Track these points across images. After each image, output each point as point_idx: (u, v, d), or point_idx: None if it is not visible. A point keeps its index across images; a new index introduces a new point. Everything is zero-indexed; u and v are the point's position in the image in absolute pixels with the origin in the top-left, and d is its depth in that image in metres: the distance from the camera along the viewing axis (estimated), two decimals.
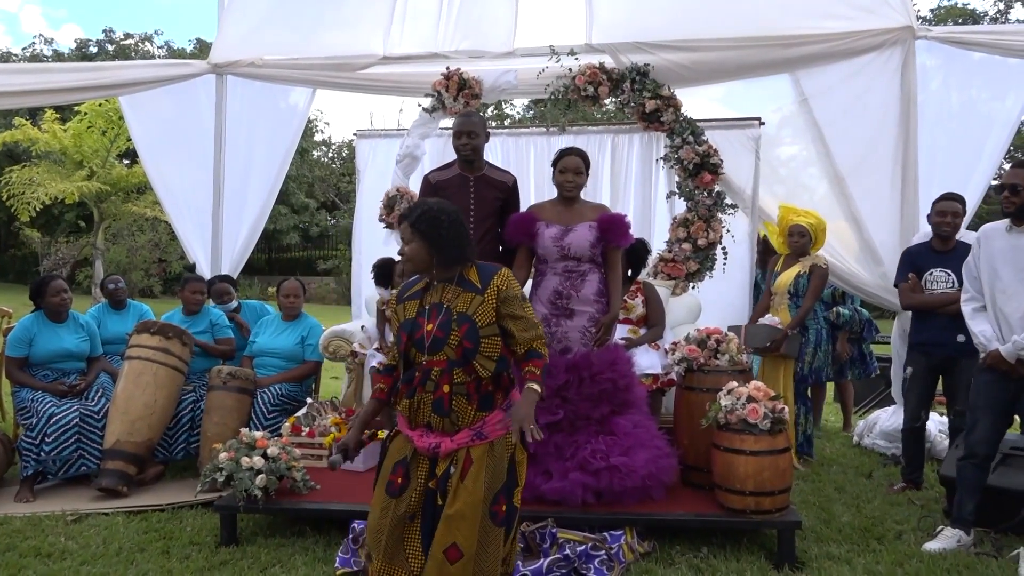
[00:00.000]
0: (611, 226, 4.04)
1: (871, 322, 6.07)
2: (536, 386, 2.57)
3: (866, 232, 5.46)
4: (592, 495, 3.72)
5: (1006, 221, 3.72)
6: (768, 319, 5.10)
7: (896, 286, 4.73)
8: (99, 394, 4.81)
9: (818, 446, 5.64)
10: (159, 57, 27.11)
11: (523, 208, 4.37)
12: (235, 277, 6.26)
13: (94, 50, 27.38)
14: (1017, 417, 3.90)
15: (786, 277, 5.16)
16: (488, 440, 2.56)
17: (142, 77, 6.29)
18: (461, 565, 2.47)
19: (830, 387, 6.77)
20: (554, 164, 4.16)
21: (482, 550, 2.50)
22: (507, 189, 4.40)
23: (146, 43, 28.57)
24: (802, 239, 5.12)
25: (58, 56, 27.30)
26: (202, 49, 25.78)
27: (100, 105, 14.10)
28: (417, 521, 2.58)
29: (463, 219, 2.70)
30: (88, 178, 15.11)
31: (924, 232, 4.95)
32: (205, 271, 6.33)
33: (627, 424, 3.88)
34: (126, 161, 17.45)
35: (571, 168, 4.08)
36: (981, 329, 3.73)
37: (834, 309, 5.80)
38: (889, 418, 5.70)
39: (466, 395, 2.55)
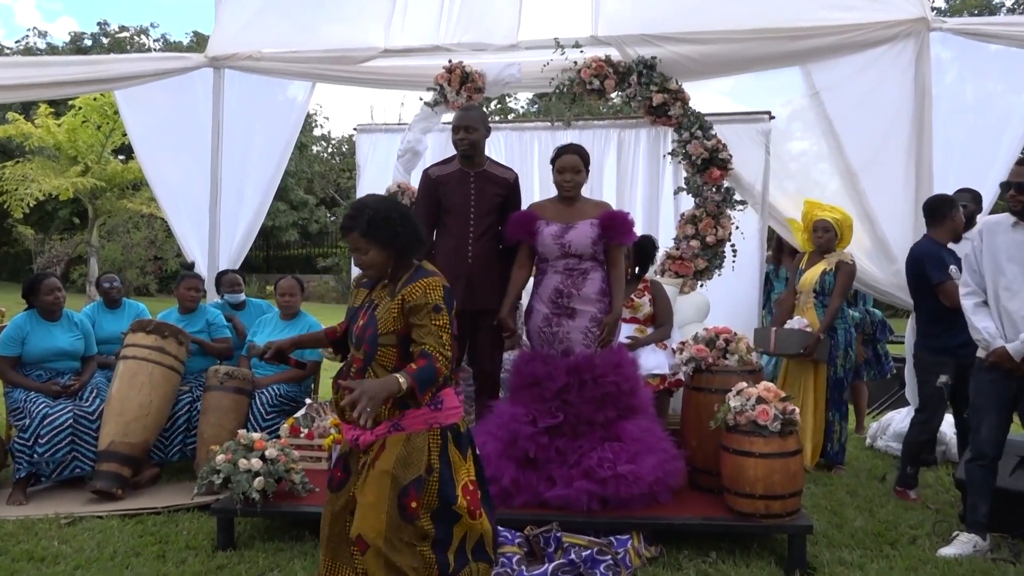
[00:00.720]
0: (613, 223, 4.04)
1: (884, 322, 6.06)
2: (403, 379, 2.49)
3: (879, 229, 5.44)
4: (598, 502, 3.72)
5: (1010, 216, 3.70)
6: (796, 322, 5.06)
7: (938, 284, 4.47)
8: (93, 394, 4.81)
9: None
10: (155, 50, 27.14)
11: (525, 206, 4.37)
12: None
13: (89, 43, 27.42)
14: (1017, 417, 3.87)
15: (811, 275, 5.13)
16: (405, 432, 2.61)
17: (138, 71, 6.29)
18: (371, 557, 2.52)
19: None
20: (552, 163, 4.16)
21: (391, 547, 2.52)
22: (508, 185, 4.39)
23: (142, 36, 28.60)
24: (827, 235, 5.09)
25: (52, 49, 27.35)
26: (199, 42, 25.80)
27: (95, 99, 14.10)
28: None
29: (412, 216, 2.73)
30: (82, 174, 15.11)
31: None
32: (202, 269, 6.34)
33: (634, 429, 3.88)
34: (121, 157, 17.46)
35: (568, 167, 4.07)
36: (984, 326, 3.70)
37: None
38: (903, 419, 5.68)
39: None
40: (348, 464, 2.75)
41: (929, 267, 4.51)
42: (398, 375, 2.50)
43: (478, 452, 2.82)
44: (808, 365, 5.08)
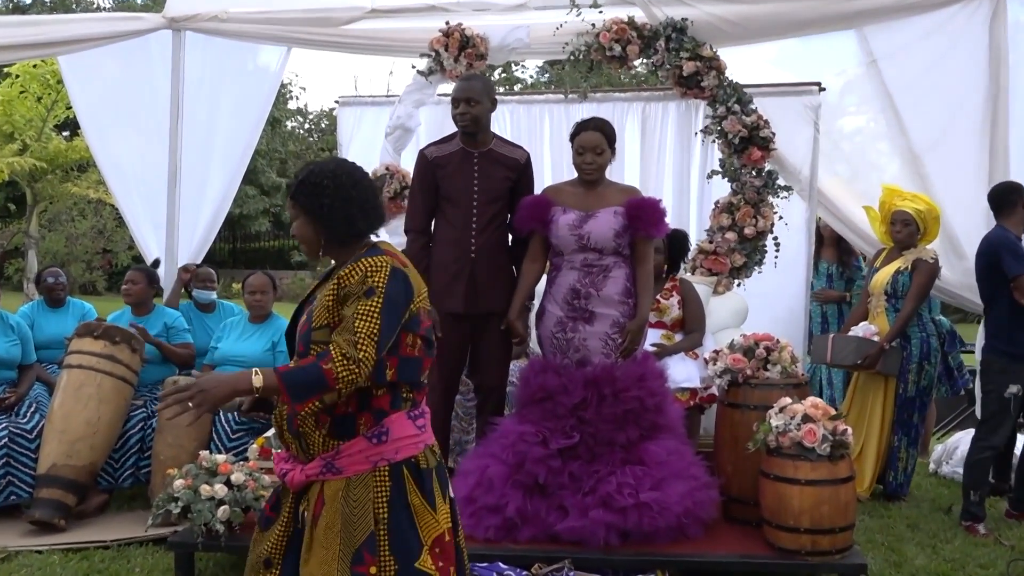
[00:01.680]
0: (641, 212, 4.03)
1: (954, 332, 6.04)
2: (260, 376, 2.28)
3: (947, 220, 5.43)
4: (617, 536, 3.72)
5: None
6: (863, 328, 5.05)
7: (1015, 277, 4.52)
8: (32, 409, 4.83)
9: None
10: (105, 10, 27.20)
11: (538, 190, 4.37)
12: None
13: (28, 1, 27.50)
14: None
15: (883, 275, 5.12)
16: (343, 476, 2.37)
17: (84, 33, 6.30)
18: None
19: None
20: (571, 140, 4.16)
21: None
22: (518, 167, 4.39)
23: None
24: (907, 228, 5.07)
25: None
26: (156, 1, 25.85)
27: (35, 67, 14.14)
28: (275, 571, 2.45)
29: (358, 183, 2.52)
30: (20, 153, 15.14)
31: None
32: (162, 264, 6.33)
33: (659, 452, 3.88)
34: (65, 133, 17.51)
35: (589, 146, 4.06)
36: None
37: None
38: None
39: (313, 415, 2.36)
40: (280, 500, 2.54)
41: (1006, 258, 4.53)
42: (254, 371, 2.30)
43: (452, 494, 2.59)
44: (879, 380, 5.08)
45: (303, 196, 2.49)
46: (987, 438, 4.62)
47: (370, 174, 5.91)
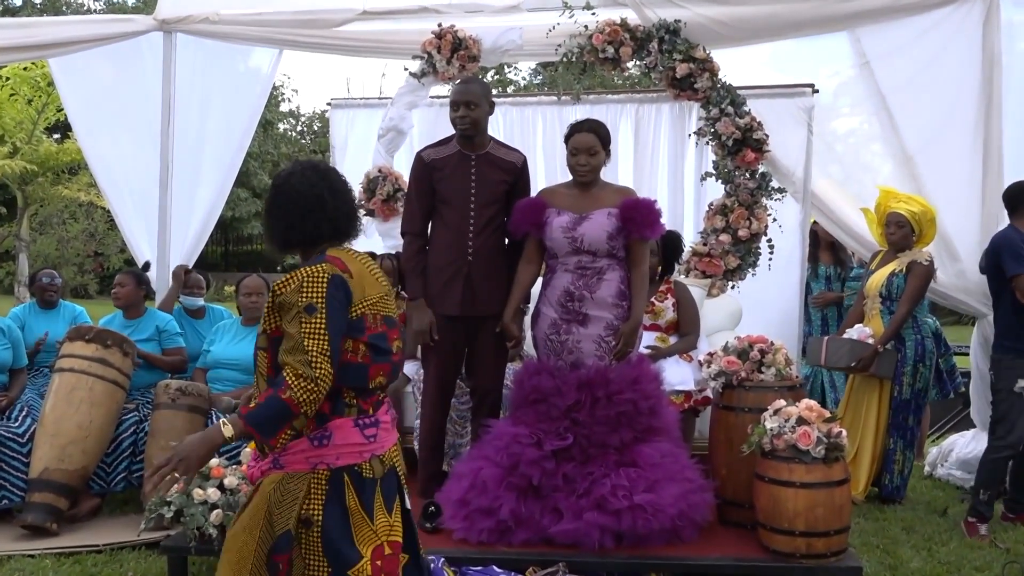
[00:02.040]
0: (636, 213, 4.03)
1: (939, 334, 6.04)
2: (230, 427, 2.34)
3: (940, 222, 5.44)
4: (611, 538, 3.72)
5: None
6: (856, 331, 5.06)
7: (1013, 277, 4.56)
8: (23, 413, 4.82)
9: None
10: (96, 12, 27.15)
11: (532, 192, 4.38)
12: None
13: (18, 3, 27.43)
14: None
15: (878, 277, 5.13)
16: (284, 471, 2.44)
17: (76, 35, 6.29)
18: None
19: None
20: (566, 141, 4.16)
21: None
22: (515, 170, 4.39)
23: None
24: (900, 230, 5.07)
25: None
26: (147, 2, 25.80)
27: (25, 69, 14.11)
28: None
29: (306, 189, 2.52)
30: (11, 156, 15.12)
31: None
32: (151, 267, 6.32)
33: (653, 454, 3.88)
34: (56, 136, 17.47)
35: (583, 147, 4.07)
36: None
37: None
38: (967, 444, 5.69)
39: None
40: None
41: (1006, 257, 4.57)
42: (222, 421, 2.35)
43: (407, 506, 2.57)
44: (874, 382, 5.09)
45: (267, 196, 2.61)
46: (1004, 437, 4.63)
47: (364, 175, 5.98)
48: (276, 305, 2.44)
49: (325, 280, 2.40)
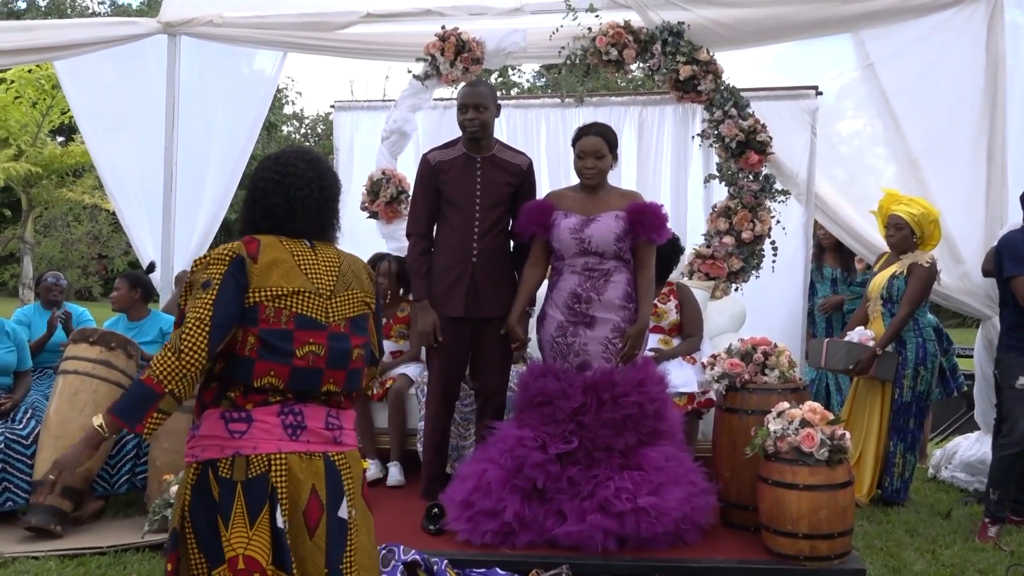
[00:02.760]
0: (643, 216, 4.04)
1: (940, 330, 6.04)
2: (99, 417, 2.27)
3: (944, 224, 5.44)
4: (614, 541, 3.72)
5: None
6: (857, 333, 5.05)
7: (1009, 278, 4.58)
8: (28, 415, 4.82)
9: None
10: (101, 15, 27.20)
11: (540, 196, 4.39)
12: None
13: (23, 6, 27.50)
14: None
15: (879, 279, 5.12)
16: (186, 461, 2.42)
17: (80, 38, 6.30)
18: None
19: None
20: (573, 145, 4.17)
21: None
22: (520, 173, 4.40)
23: None
24: (899, 232, 5.06)
25: None
26: (151, 5, 25.84)
27: (30, 71, 14.14)
28: None
29: (257, 178, 2.50)
30: (15, 158, 15.14)
31: (1013, 223, 4.93)
32: (156, 269, 6.33)
33: (657, 457, 3.88)
34: (60, 138, 17.50)
35: (590, 150, 4.08)
36: None
37: None
38: (971, 446, 5.68)
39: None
40: None
41: (1005, 258, 4.58)
42: (95, 416, 2.28)
43: (281, 525, 2.32)
44: (876, 385, 5.08)
45: None
46: (1009, 435, 4.62)
47: (367, 178, 5.97)
48: (188, 284, 2.38)
49: (228, 259, 2.33)
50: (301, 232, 2.49)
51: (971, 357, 5.82)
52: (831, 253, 6.35)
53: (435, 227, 4.41)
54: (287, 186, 2.47)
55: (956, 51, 5.42)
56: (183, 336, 2.24)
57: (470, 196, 4.29)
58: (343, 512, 2.41)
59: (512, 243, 4.40)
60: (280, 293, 2.36)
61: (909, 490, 5.22)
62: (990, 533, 4.56)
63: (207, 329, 2.25)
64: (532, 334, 4.38)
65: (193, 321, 2.25)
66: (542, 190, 4.48)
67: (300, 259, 2.44)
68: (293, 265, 2.41)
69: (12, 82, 14.55)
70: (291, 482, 2.33)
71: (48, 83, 13.99)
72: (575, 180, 4.26)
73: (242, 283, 2.33)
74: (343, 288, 2.49)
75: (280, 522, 2.30)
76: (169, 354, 2.23)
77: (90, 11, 28.07)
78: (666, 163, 6.43)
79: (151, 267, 6.06)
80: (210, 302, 2.27)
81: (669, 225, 4.21)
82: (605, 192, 4.16)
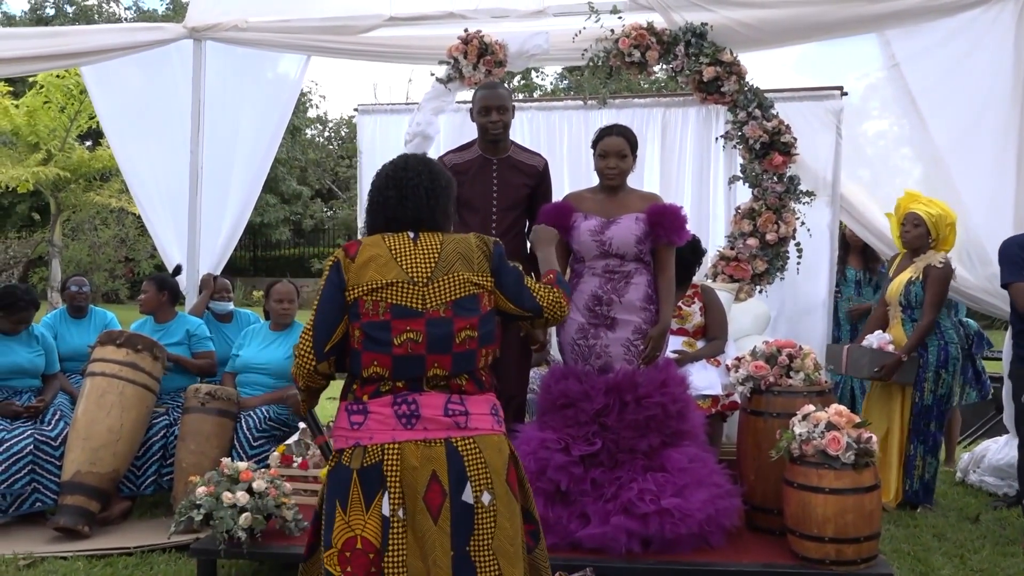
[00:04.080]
0: (663, 218, 4.03)
1: (981, 334, 5.99)
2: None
3: (971, 225, 5.39)
4: (638, 543, 3.70)
5: None
6: (876, 337, 5.01)
7: (1005, 285, 4.62)
8: (56, 417, 4.87)
9: None
10: (127, 20, 27.47)
11: (555, 197, 4.37)
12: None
13: (51, 12, 27.82)
14: None
15: (896, 284, 5.09)
16: None
17: (107, 44, 6.36)
18: None
19: None
20: (594, 146, 4.16)
21: None
22: (536, 174, 4.40)
23: (111, 4, 28.99)
24: (916, 230, 5.03)
25: (9, 20, 27.78)
26: (176, 10, 26.07)
27: (59, 77, 14.29)
28: None
29: (375, 184, 2.70)
30: (44, 163, 15.30)
31: None
32: (184, 271, 6.38)
33: (681, 458, 3.86)
34: (88, 143, 17.68)
35: (612, 151, 4.07)
36: None
37: None
38: (1000, 450, 5.62)
39: None
40: None
41: (1001, 264, 4.61)
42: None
43: (387, 513, 2.45)
44: (896, 388, 5.04)
45: None
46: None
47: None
48: None
49: (330, 264, 2.57)
50: (411, 219, 2.63)
51: (999, 360, 5.76)
52: (855, 255, 6.30)
53: (451, 230, 4.40)
54: (399, 179, 2.65)
55: (983, 50, 5.37)
56: (302, 339, 2.54)
57: (487, 198, 4.30)
58: (467, 496, 2.46)
59: (529, 245, 4.40)
60: (376, 286, 2.51)
61: (934, 493, 5.17)
62: None
63: (311, 332, 2.53)
64: (552, 336, 4.37)
65: (308, 328, 2.55)
66: (565, 193, 4.46)
67: (397, 252, 2.57)
68: (389, 259, 2.55)
69: (42, 87, 14.72)
70: (405, 470, 2.45)
71: (76, 88, 14.13)
72: (596, 182, 4.25)
73: (339, 283, 2.54)
74: (443, 273, 2.57)
75: (386, 510, 2.43)
76: (295, 355, 2.55)
77: (117, 17, 28.35)
78: (690, 165, 6.41)
79: (178, 270, 6.11)
80: (316, 306, 2.54)
81: (691, 227, 4.19)
82: (625, 194, 4.15)
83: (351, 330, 2.52)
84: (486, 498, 2.47)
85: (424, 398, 2.50)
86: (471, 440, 2.50)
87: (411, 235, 2.61)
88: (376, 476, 2.45)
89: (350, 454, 2.49)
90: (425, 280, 2.53)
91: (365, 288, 2.51)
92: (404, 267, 2.53)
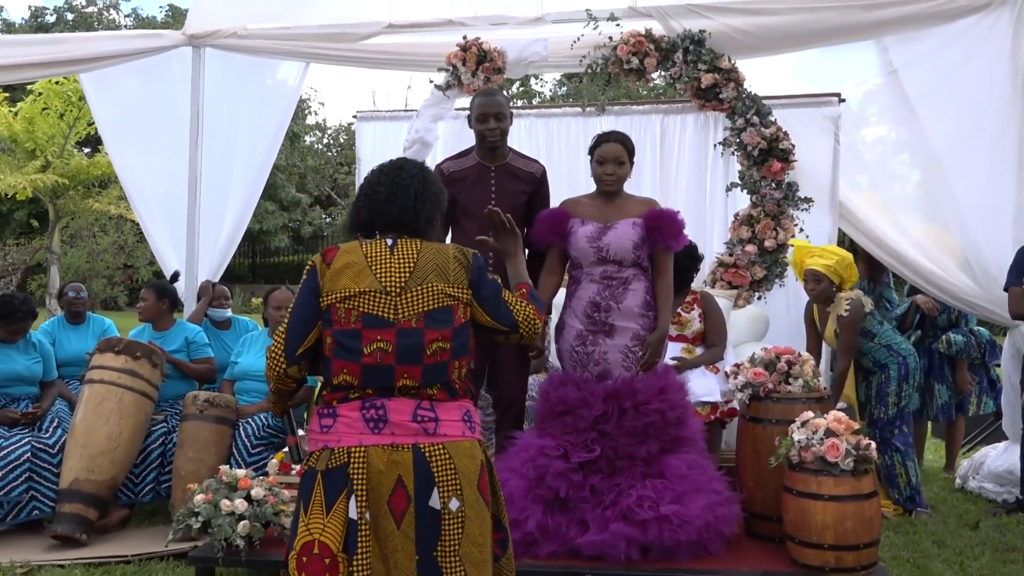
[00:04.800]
0: (660, 223, 4.03)
1: (993, 342, 6.00)
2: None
3: (969, 231, 5.40)
4: (637, 550, 3.70)
5: None
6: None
7: (1006, 290, 4.65)
8: (54, 424, 4.87)
9: None
10: (126, 27, 27.52)
11: (554, 203, 4.38)
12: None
13: (51, 19, 27.87)
14: None
15: (829, 333, 5.11)
16: None
17: (106, 51, 6.38)
18: None
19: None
20: (591, 152, 4.17)
21: None
22: (534, 180, 4.40)
23: (111, 11, 29.04)
24: (819, 285, 4.98)
25: (8, 27, 27.82)
26: (176, 18, 26.13)
27: (58, 84, 14.30)
28: None
29: (362, 186, 2.71)
30: (42, 170, 15.29)
31: None
32: (180, 279, 6.37)
33: (680, 465, 3.86)
34: (87, 149, 17.68)
35: (610, 157, 4.07)
36: None
37: (944, 336, 5.75)
38: (999, 456, 5.62)
39: None
40: None
41: (1011, 267, 4.65)
42: None
43: (354, 516, 2.42)
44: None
45: None
46: None
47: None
48: None
49: (308, 268, 2.59)
50: (396, 218, 2.60)
51: (999, 365, 5.77)
52: (861, 262, 6.29)
53: (449, 236, 4.41)
54: (391, 177, 2.65)
55: (980, 57, 5.38)
56: (272, 342, 2.57)
57: (485, 205, 4.26)
58: (434, 502, 2.44)
59: (527, 251, 4.40)
60: (348, 294, 2.50)
61: (923, 494, 5.19)
62: None
63: (284, 335, 2.55)
64: (550, 343, 4.37)
65: (280, 331, 2.57)
66: (563, 199, 4.46)
67: (372, 260, 2.54)
68: (364, 266, 2.52)
69: (40, 94, 14.72)
70: (371, 474, 2.43)
71: (75, 95, 14.14)
72: (594, 189, 4.24)
73: (314, 288, 2.54)
74: (416, 283, 2.53)
75: (353, 513, 2.40)
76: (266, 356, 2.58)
77: (116, 24, 28.39)
78: (687, 172, 6.41)
79: (175, 276, 6.11)
80: (291, 309, 2.57)
81: (689, 234, 4.19)
82: (622, 199, 4.15)
83: (323, 336, 2.52)
84: (454, 504, 2.44)
85: (393, 403, 2.48)
86: (440, 446, 2.47)
87: (388, 242, 2.58)
88: (340, 478, 2.43)
89: (317, 456, 2.48)
90: (398, 290, 2.51)
91: (338, 295, 2.50)
92: (378, 276, 2.51)
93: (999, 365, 6.11)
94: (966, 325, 5.92)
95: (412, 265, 2.55)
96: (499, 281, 2.73)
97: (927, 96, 5.53)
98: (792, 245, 5.32)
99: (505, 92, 5.17)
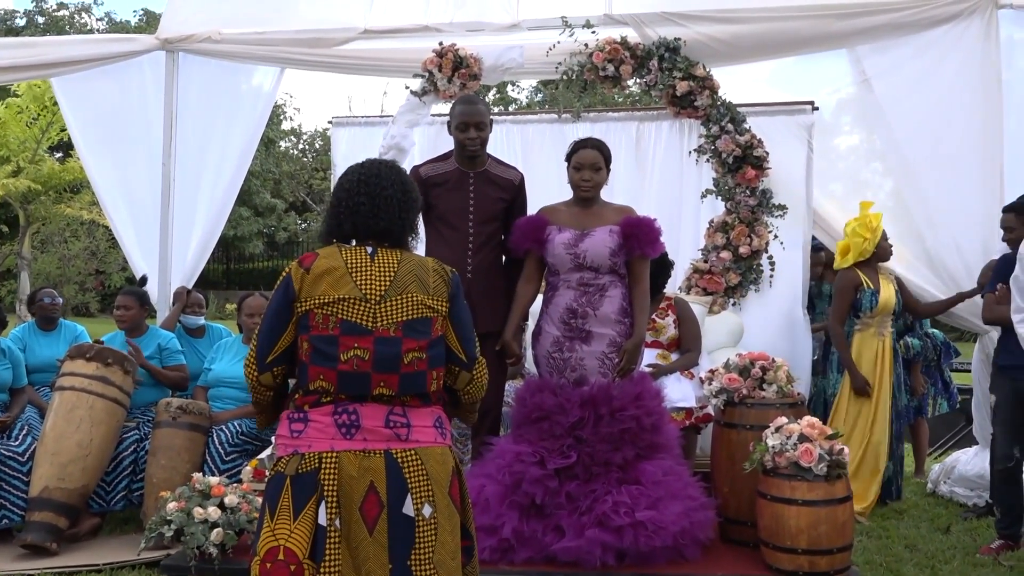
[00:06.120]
0: (636, 231, 4.05)
1: (948, 344, 6.06)
2: None
3: (941, 237, 5.45)
4: (613, 556, 3.71)
5: None
6: None
7: (982, 296, 4.73)
8: (24, 432, 4.81)
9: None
10: (99, 31, 27.30)
11: (532, 210, 4.38)
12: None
13: (22, 23, 27.60)
14: None
15: (888, 296, 5.20)
16: None
17: (79, 55, 6.32)
18: None
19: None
20: (568, 159, 4.18)
21: None
22: (512, 188, 4.41)
23: (83, 15, 28.79)
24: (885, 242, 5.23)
25: None
26: (149, 22, 25.94)
27: (29, 88, 14.16)
28: None
29: (338, 188, 2.66)
30: (13, 175, 15.14)
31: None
32: (151, 284, 6.32)
33: (655, 471, 3.88)
34: (58, 155, 17.51)
35: (587, 164, 4.09)
36: None
37: (903, 341, 5.81)
38: (970, 460, 5.67)
39: None
40: None
41: (993, 273, 4.68)
42: None
43: (324, 523, 2.38)
44: (866, 399, 5.11)
45: None
46: (994, 452, 4.66)
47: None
48: None
49: (283, 274, 2.54)
50: (382, 230, 2.58)
51: (968, 372, 5.83)
52: (832, 269, 6.34)
53: (426, 242, 4.40)
54: (371, 187, 2.58)
55: (952, 65, 5.44)
56: (251, 350, 2.55)
57: (463, 212, 4.29)
58: (408, 509, 2.41)
59: (504, 258, 4.40)
60: (327, 300, 2.47)
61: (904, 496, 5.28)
62: (993, 545, 4.55)
63: (259, 344, 2.53)
64: (527, 349, 4.38)
65: (256, 339, 2.54)
66: (539, 206, 4.48)
67: (353, 267, 2.51)
68: (344, 273, 2.49)
69: (20, 95, 14.57)
70: (342, 479, 2.39)
71: (51, 101, 14.01)
72: (570, 195, 4.26)
73: (288, 295, 2.50)
74: (396, 292, 2.51)
75: (323, 519, 2.36)
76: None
77: (88, 28, 28.15)
78: (662, 178, 6.44)
79: (144, 280, 6.06)
80: (264, 317, 2.54)
81: (665, 241, 4.22)
82: (599, 206, 4.16)
83: (300, 342, 2.49)
84: (427, 511, 2.43)
85: (365, 409, 2.45)
86: (412, 452, 2.45)
87: (369, 251, 2.56)
88: (310, 483, 2.39)
89: (287, 461, 2.43)
90: (378, 298, 2.49)
91: (317, 301, 2.46)
92: (358, 283, 2.49)
93: (953, 368, 6.20)
94: (921, 328, 5.98)
95: (392, 274, 2.53)
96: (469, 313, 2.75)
97: (899, 104, 5.58)
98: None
99: (482, 98, 5.16)
